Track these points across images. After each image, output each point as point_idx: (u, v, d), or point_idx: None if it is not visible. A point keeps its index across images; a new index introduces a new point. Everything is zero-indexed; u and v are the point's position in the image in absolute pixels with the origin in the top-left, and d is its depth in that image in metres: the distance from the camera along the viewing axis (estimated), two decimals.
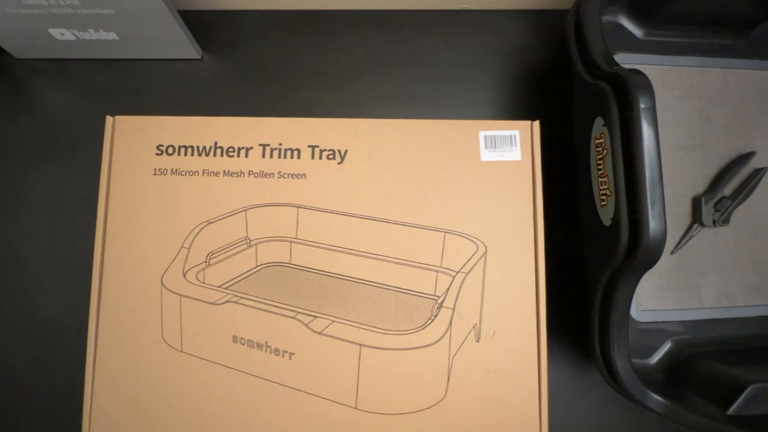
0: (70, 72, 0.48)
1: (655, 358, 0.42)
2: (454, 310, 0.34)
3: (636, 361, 0.42)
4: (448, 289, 0.34)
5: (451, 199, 0.35)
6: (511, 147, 0.36)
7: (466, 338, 0.34)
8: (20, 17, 0.41)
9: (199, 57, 0.48)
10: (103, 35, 0.44)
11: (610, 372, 0.36)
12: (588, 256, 0.41)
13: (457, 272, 0.35)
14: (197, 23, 0.47)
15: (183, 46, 0.46)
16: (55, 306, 0.44)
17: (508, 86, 0.49)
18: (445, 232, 0.35)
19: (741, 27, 0.45)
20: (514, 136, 0.36)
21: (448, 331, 0.34)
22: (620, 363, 0.34)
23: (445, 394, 0.34)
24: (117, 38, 0.44)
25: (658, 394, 0.34)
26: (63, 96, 0.48)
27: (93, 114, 0.46)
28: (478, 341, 0.34)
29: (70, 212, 0.45)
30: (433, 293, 0.35)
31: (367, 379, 0.34)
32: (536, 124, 0.36)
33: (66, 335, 0.43)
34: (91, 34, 0.44)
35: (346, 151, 0.36)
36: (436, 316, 0.34)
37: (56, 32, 0.44)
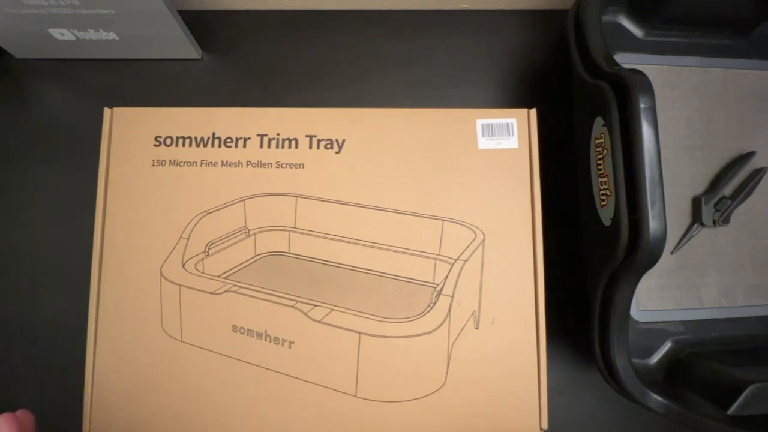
0: (70, 72, 0.48)
1: (655, 358, 0.42)
2: (453, 297, 0.34)
3: (636, 361, 0.42)
4: (446, 276, 0.34)
5: (449, 187, 0.35)
6: (508, 135, 0.36)
7: (465, 325, 0.34)
8: (20, 17, 0.41)
9: (199, 57, 0.48)
10: (103, 35, 0.44)
11: (610, 372, 0.35)
12: (588, 256, 0.41)
13: (456, 260, 0.35)
14: (197, 23, 0.47)
15: (183, 46, 0.46)
16: (55, 305, 0.44)
17: (508, 86, 0.49)
18: (443, 219, 0.35)
19: (741, 27, 0.45)
20: (511, 124, 0.36)
21: (447, 318, 0.34)
22: (620, 363, 0.34)
23: (445, 381, 0.34)
24: (117, 38, 0.44)
25: (658, 394, 0.34)
26: (63, 96, 0.48)
27: (93, 114, 0.46)
28: (477, 328, 0.34)
29: (70, 212, 0.45)
30: (431, 281, 0.35)
31: (366, 367, 0.34)
32: (533, 111, 0.36)
33: (66, 335, 0.43)
34: (91, 34, 0.44)
35: (343, 140, 0.36)
36: (435, 303, 0.34)
37: (56, 32, 0.44)
